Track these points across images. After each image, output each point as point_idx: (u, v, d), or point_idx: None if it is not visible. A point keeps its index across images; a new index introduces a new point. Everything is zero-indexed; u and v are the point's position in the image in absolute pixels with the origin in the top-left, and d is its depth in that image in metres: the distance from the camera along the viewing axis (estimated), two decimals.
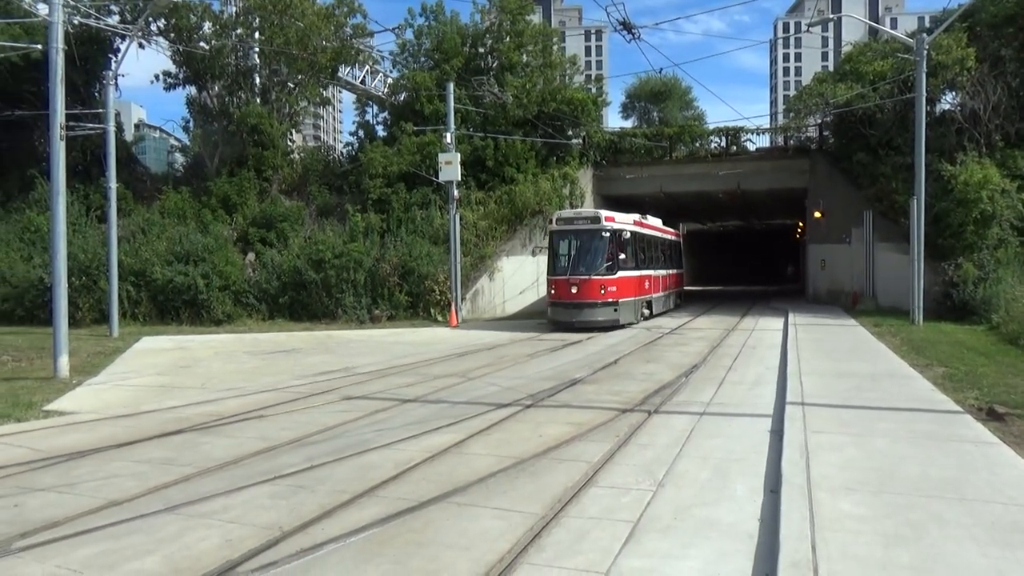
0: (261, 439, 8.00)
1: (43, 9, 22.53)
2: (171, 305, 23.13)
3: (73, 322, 15.75)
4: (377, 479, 6.39)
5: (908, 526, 4.84)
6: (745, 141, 31.84)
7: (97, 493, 6.15)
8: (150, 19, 27.51)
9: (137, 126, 70.30)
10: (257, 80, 32.83)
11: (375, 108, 36.14)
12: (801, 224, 40.21)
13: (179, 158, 39.10)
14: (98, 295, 22.08)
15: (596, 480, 6.33)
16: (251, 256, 25.96)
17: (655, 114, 62.66)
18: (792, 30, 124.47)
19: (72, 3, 17.31)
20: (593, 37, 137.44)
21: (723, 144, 31.88)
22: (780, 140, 34.39)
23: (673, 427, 8.33)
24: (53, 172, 12.66)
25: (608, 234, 20.77)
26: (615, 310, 20.69)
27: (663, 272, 26.93)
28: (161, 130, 65.99)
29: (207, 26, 30.73)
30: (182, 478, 6.56)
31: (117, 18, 28.72)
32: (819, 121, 29.77)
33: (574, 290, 20.44)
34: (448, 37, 31.39)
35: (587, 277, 20.45)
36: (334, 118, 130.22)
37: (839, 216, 28.30)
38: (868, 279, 27.18)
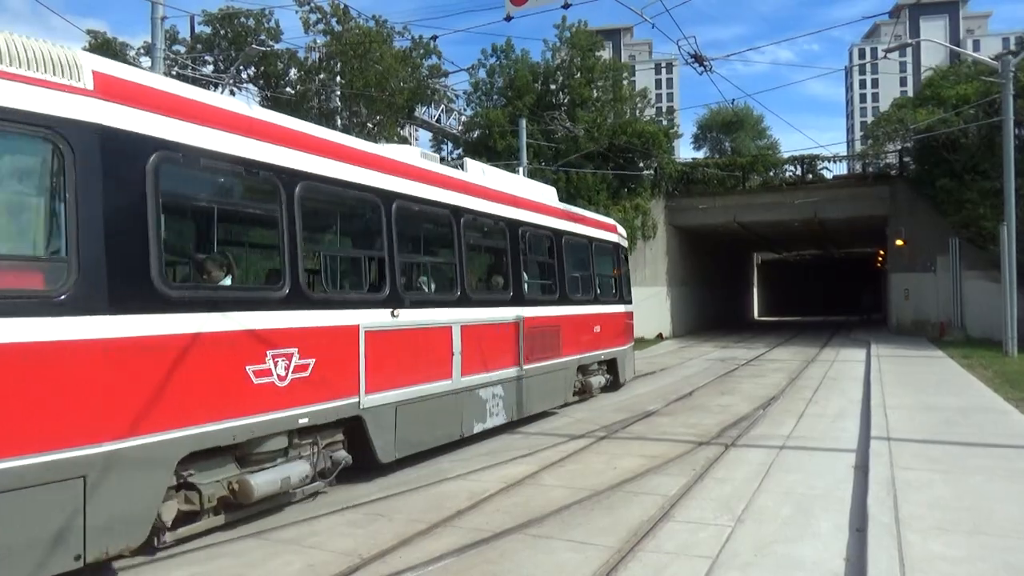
0: None
1: (146, 62, 24.32)
2: None
3: None
4: (452, 509, 6.47)
5: (1007, 569, 4.59)
6: (821, 169, 31.17)
7: None
8: (241, 67, 29.22)
9: None
10: (339, 121, 34.24)
11: (450, 145, 37.12)
12: (882, 252, 38.79)
13: None
14: None
15: (672, 514, 6.25)
16: None
17: (727, 144, 62.03)
18: (868, 56, 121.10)
19: (172, 56, 18.63)
20: (663, 70, 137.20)
21: (798, 172, 31.25)
22: (858, 167, 33.49)
23: (751, 461, 8.15)
24: None
25: None
26: None
27: (476, 316, 9.16)
28: None
29: (293, 72, 32.40)
30: None
31: (211, 67, 30.66)
32: (899, 147, 28.85)
33: None
34: (520, 75, 32.07)
35: None
36: None
37: (923, 244, 27.26)
38: (956, 309, 26.00)
